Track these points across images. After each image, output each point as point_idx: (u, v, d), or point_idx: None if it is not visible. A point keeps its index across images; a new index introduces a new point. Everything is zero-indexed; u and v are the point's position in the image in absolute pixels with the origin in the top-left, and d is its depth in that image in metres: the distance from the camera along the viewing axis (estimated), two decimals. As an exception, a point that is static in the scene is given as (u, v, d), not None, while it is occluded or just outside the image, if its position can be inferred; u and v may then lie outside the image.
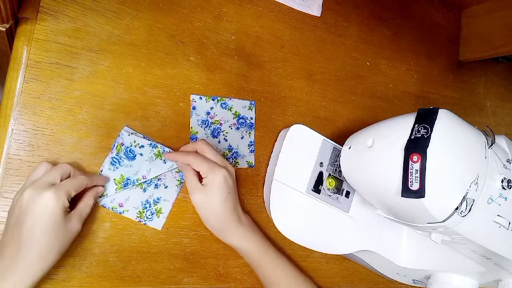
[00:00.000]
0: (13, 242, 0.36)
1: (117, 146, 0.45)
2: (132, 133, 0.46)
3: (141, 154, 0.46)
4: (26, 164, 0.42)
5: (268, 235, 0.53)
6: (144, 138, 0.47)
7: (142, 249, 0.47)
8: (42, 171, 0.40)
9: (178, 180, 0.49)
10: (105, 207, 0.45)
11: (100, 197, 0.44)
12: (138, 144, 0.46)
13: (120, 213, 0.46)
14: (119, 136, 0.46)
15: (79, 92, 0.45)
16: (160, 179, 0.48)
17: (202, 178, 0.44)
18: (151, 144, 0.47)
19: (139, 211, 0.47)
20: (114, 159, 0.45)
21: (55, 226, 0.37)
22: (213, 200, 0.44)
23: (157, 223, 0.47)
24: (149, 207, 0.47)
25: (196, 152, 0.46)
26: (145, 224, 0.47)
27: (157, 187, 0.48)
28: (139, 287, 0.46)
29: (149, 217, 0.47)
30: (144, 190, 0.47)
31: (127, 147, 0.46)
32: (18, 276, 0.35)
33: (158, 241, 0.47)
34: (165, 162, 0.47)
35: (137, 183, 0.46)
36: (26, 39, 0.42)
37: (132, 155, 0.46)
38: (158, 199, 0.48)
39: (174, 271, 0.48)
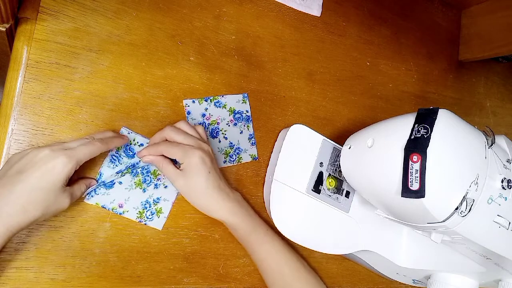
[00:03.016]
0: (5, 186, 0.36)
1: None
2: (131, 133, 0.46)
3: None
4: (26, 164, 0.42)
5: (268, 235, 0.53)
6: (143, 137, 0.47)
7: (142, 249, 0.47)
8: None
9: None
10: (105, 208, 0.45)
11: (97, 183, 0.44)
12: (138, 142, 0.47)
13: (120, 213, 0.46)
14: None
15: (79, 92, 0.45)
16: (159, 179, 0.48)
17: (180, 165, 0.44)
18: None
19: (139, 211, 0.47)
20: (113, 157, 0.45)
21: (50, 189, 0.37)
22: (196, 183, 0.44)
23: (158, 223, 0.47)
24: (149, 207, 0.47)
25: (166, 140, 0.45)
26: (145, 224, 0.47)
27: (156, 187, 0.48)
28: (139, 287, 0.46)
29: (149, 217, 0.47)
30: (144, 190, 0.47)
31: (127, 145, 0.46)
32: None
33: (158, 241, 0.47)
34: None
35: (136, 180, 0.46)
36: (26, 39, 0.42)
37: (131, 153, 0.46)
38: (158, 199, 0.48)
39: (174, 271, 0.48)
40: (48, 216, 0.38)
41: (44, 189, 0.37)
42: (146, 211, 0.47)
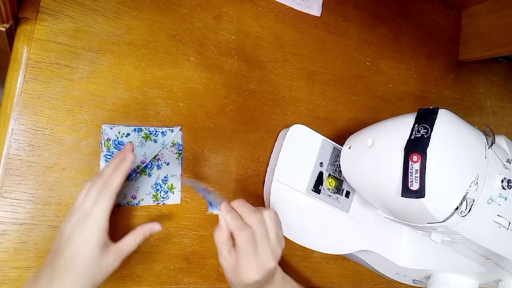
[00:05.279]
0: (51, 270, 0.36)
1: (104, 143, 0.45)
2: (113, 127, 0.46)
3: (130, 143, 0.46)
4: (26, 164, 0.42)
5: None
6: (126, 126, 0.47)
7: (142, 249, 0.47)
8: (84, 193, 0.39)
9: (177, 153, 0.49)
10: (120, 205, 0.45)
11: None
12: (124, 133, 0.46)
13: (136, 204, 0.46)
14: (102, 133, 0.45)
15: (79, 92, 0.45)
16: (159, 159, 0.48)
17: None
18: (135, 129, 0.47)
19: (153, 195, 0.47)
20: (107, 157, 0.45)
21: (88, 263, 0.36)
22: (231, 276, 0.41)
23: (175, 198, 0.48)
24: (161, 187, 0.48)
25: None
26: (163, 204, 0.47)
27: (159, 168, 0.48)
28: (139, 287, 0.46)
29: (164, 196, 0.48)
30: (149, 175, 0.47)
31: (115, 140, 0.46)
32: None
33: (158, 241, 0.47)
34: (156, 142, 0.48)
35: (139, 171, 0.46)
36: (26, 39, 0.42)
37: (122, 146, 0.46)
38: (165, 177, 0.48)
39: (174, 271, 0.48)
40: (99, 283, 0.37)
41: (81, 266, 0.36)
42: (160, 192, 0.48)
